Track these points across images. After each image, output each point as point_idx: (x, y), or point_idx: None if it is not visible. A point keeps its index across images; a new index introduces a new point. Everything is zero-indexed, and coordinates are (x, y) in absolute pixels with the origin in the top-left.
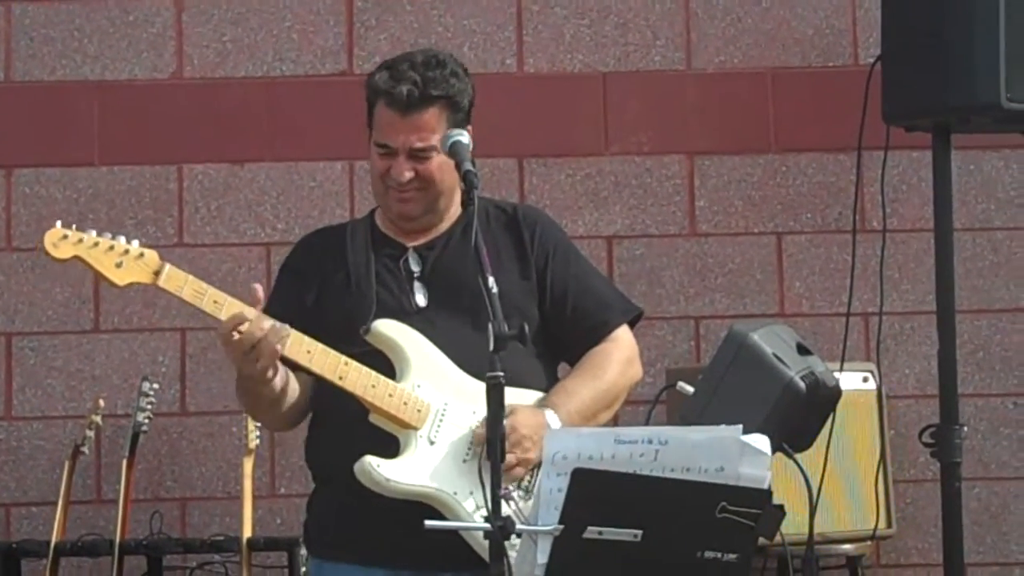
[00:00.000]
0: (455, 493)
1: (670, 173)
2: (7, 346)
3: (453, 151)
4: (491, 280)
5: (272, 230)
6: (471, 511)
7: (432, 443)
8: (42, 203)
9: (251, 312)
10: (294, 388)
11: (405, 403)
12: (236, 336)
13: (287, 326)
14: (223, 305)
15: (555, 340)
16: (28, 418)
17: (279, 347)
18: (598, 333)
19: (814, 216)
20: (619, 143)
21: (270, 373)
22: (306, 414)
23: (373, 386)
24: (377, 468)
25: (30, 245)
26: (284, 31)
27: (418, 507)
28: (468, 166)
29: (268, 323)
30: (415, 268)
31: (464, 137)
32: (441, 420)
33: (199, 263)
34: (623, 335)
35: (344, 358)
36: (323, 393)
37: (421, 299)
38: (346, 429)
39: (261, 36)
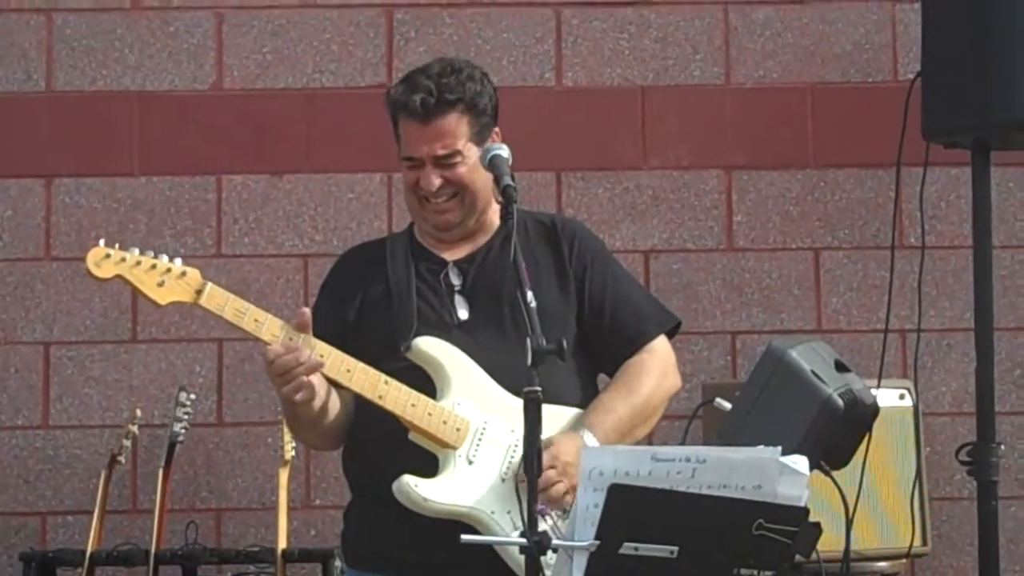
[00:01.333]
0: (492, 512)
1: (708, 188)
2: (45, 355)
3: (492, 165)
4: (530, 295)
5: (310, 241)
6: (509, 531)
7: (471, 463)
8: (81, 213)
9: (291, 338)
10: (335, 407)
11: (444, 422)
12: (274, 361)
13: (326, 350)
14: (264, 324)
15: (593, 352)
16: (65, 427)
17: (310, 378)
18: (635, 344)
19: (852, 232)
20: (657, 157)
21: (300, 396)
22: (347, 435)
23: (413, 405)
24: (415, 488)
25: (69, 255)
26: (324, 43)
27: (455, 521)
28: (507, 180)
29: (305, 353)
30: (456, 282)
31: (504, 151)
32: (480, 439)
33: (237, 274)
34: (660, 346)
35: (384, 376)
36: (362, 407)
37: (463, 313)
38: (384, 443)
39: (301, 48)
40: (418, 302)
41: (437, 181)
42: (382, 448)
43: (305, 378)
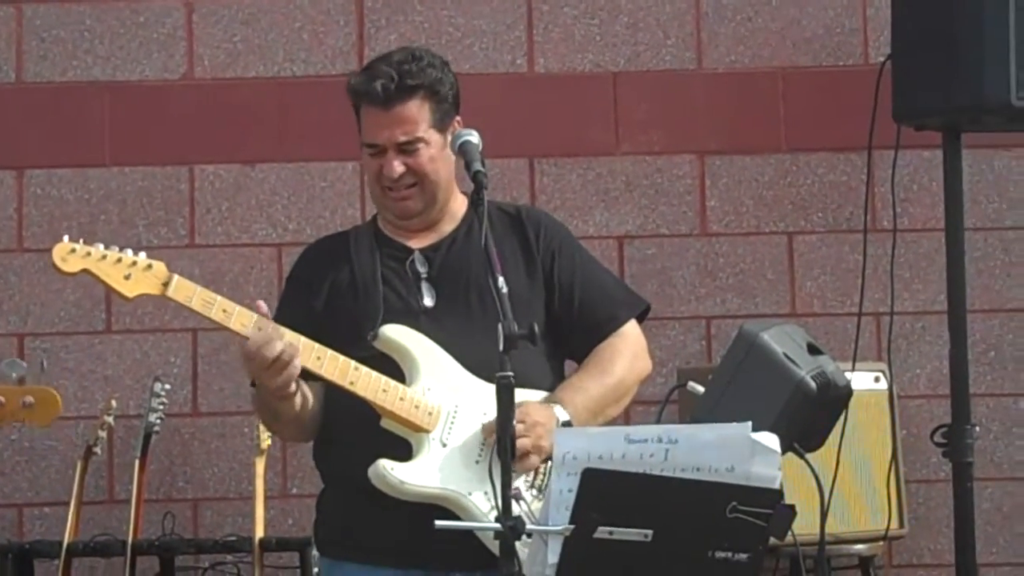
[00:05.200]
0: (469, 494)
1: (681, 173)
2: (19, 347)
3: (463, 151)
4: (501, 280)
5: (283, 230)
6: (486, 511)
7: (444, 445)
8: (53, 204)
9: (269, 325)
10: (309, 398)
11: (416, 407)
12: (258, 350)
13: (299, 337)
14: (232, 314)
15: (563, 338)
16: None
17: (297, 361)
18: (605, 328)
19: (825, 216)
20: (630, 143)
21: (292, 387)
22: (320, 425)
23: (384, 391)
24: (391, 471)
25: (42, 246)
26: (294, 31)
27: (428, 507)
28: (478, 166)
29: (287, 337)
30: (421, 269)
31: (474, 137)
32: (452, 422)
33: (211, 264)
34: (630, 330)
35: (354, 363)
36: (332, 397)
37: (429, 300)
38: (356, 432)
39: (271, 36)
40: (384, 290)
41: (400, 168)
42: (354, 436)
43: (294, 366)
